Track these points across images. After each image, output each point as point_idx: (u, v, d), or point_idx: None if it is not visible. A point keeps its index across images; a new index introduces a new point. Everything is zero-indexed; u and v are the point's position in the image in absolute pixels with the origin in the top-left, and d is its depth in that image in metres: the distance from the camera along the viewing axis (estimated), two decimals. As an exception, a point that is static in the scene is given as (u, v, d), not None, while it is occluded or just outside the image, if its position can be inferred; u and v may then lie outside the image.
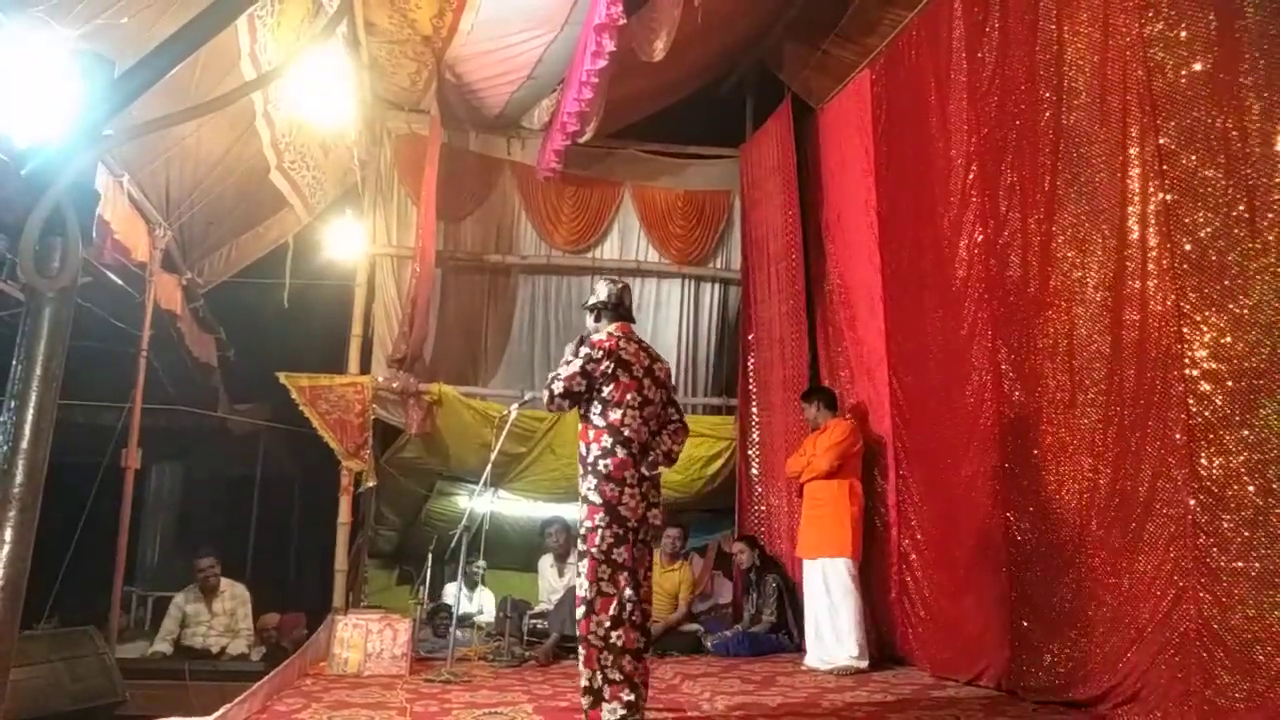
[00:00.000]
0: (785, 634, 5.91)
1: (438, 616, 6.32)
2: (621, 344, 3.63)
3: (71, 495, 5.32)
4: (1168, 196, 3.53)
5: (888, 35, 5.73)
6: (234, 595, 6.24)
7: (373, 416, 6.61)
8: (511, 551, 7.47)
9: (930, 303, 5.14)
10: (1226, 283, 3.30)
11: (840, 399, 5.89)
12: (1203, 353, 3.36)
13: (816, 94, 6.69)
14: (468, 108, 7.19)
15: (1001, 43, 4.59)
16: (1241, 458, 3.20)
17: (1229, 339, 3.29)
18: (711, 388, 7.76)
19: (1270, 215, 3.15)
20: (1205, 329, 3.36)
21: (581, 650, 3.44)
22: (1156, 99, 3.58)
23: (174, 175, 5.62)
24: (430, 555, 5.84)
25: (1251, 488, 3.15)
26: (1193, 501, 3.34)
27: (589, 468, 3.52)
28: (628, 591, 3.44)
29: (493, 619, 6.34)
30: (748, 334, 7.23)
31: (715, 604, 6.84)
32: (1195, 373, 3.38)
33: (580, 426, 3.63)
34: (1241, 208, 3.24)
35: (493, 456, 5.31)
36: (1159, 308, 3.57)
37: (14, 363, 1.27)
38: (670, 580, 6.37)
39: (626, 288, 3.89)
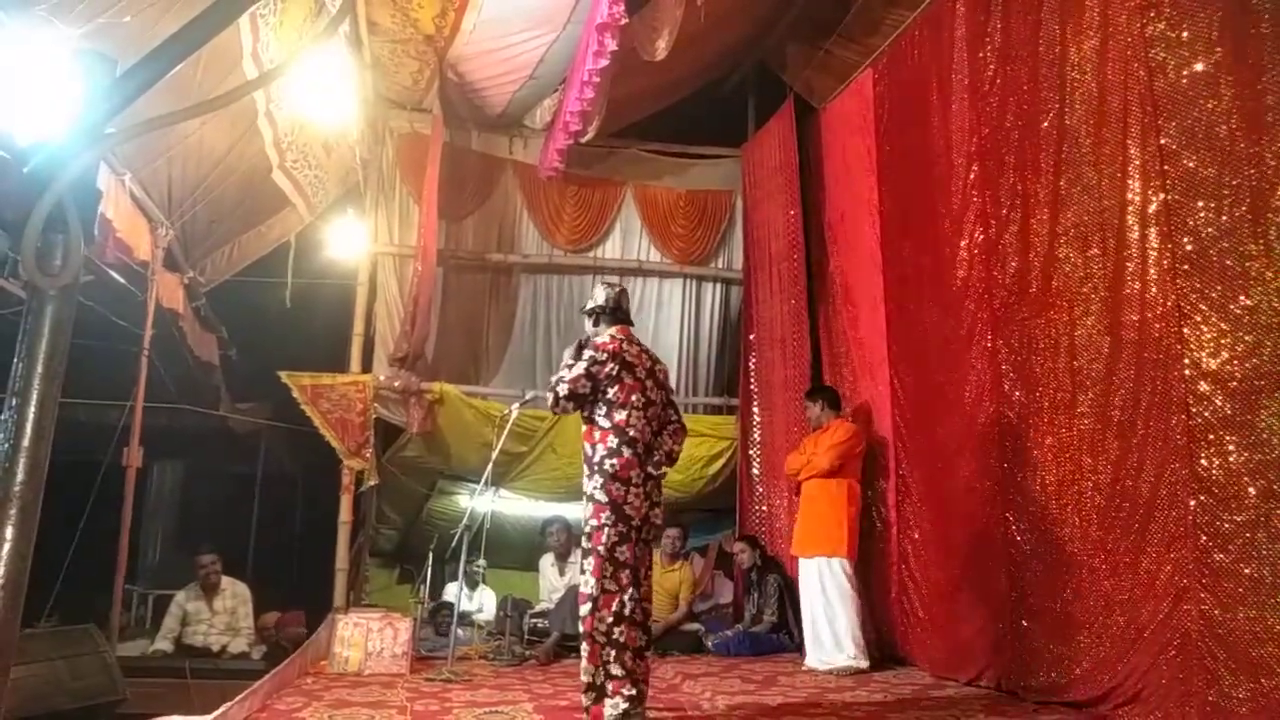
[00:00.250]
0: (786, 634, 5.91)
1: (439, 615, 6.33)
2: (624, 346, 3.70)
3: (73, 493, 5.32)
4: (1169, 197, 3.53)
5: (890, 35, 5.73)
6: (235, 594, 6.24)
7: (374, 415, 6.62)
8: (512, 550, 7.47)
9: (931, 303, 5.14)
10: (1227, 283, 3.30)
11: (843, 399, 5.89)
12: (1203, 353, 3.36)
13: (819, 94, 6.69)
14: (470, 107, 7.19)
15: (1003, 43, 4.59)
16: (1242, 458, 3.19)
17: (1229, 340, 3.29)
18: (713, 387, 7.76)
19: (1271, 216, 3.15)
20: (1206, 329, 3.36)
21: (585, 646, 3.47)
22: (1158, 99, 3.58)
23: (176, 174, 5.62)
24: (431, 554, 5.85)
25: (1252, 489, 3.14)
26: (1193, 502, 3.33)
27: (595, 467, 3.56)
28: (630, 589, 3.50)
29: (493, 618, 6.34)
30: (749, 334, 7.23)
31: (716, 604, 6.84)
32: (1195, 373, 3.38)
33: (584, 428, 3.68)
34: (1243, 208, 3.24)
35: (494, 456, 5.31)
36: (1159, 308, 3.57)
37: (15, 360, 1.27)
38: (671, 580, 6.37)
39: (624, 291, 3.95)
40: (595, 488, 3.54)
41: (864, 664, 4.98)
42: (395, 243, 7.16)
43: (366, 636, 4.99)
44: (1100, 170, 3.91)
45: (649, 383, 3.70)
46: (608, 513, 3.51)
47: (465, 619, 5.97)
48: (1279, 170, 3.13)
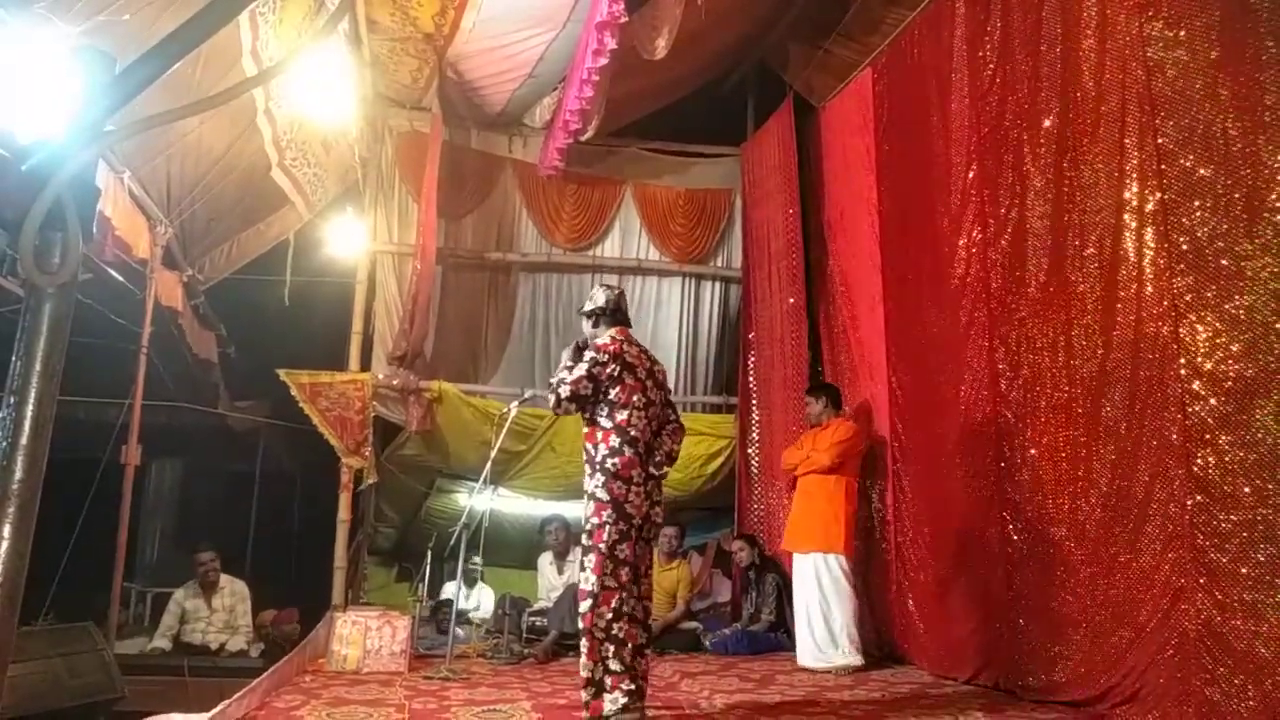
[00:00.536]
0: (784, 632, 5.91)
1: (440, 613, 6.33)
2: (624, 347, 3.74)
3: (71, 491, 5.32)
4: (1165, 196, 3.53)
5: (890, 34, 5.73)
6: (233, 592, 6.24)
7: (373, 414, 6.62)
8: (511, 549, 7.48)
9: (929, 302, 5.15)
10: (1223, 283, 3.30)
11: (842, 398, 5.88)
12: (1199, 353, 3.37)
13: (818, 93, 6.69)
14: (469, 105, 7.19)
15: (1003, 42, 4.59)
16: (1238, 457, 3.20)
17: (1225, 339, 3.29)
18: (712, 386, 7.76)
19: (1267, 215, 3.15)
20: (1201, 329, 3.37)
21: (585, 643, 3.48)
22: (1155, 98, 3.59)
23: (175, 172, 5.62)
24: (430, 553, 5.85)
25: (1248, 488, 3.15)
26: (1190, 501, 3.34)
27: (597, 466, 3.59)
28: (630, 586, 3.53)
29: (490, 616, 6.35)
30: (748, 333, 7.23)
31: (714, 602, 6.84)
32: (1191, 373, 3.39)
33: (586, 429, 3.70)
34: (1239, 208, 3.24)
35: (493, 454, 5.31)
36: (1156, 308, 3.58)
37: (14, 358, 1.27)
38: (669, 578, 6.37)
39: (623, 293, 3.99)
40: (597, 486, 3.58)
41: (860, 661, 4.98)
42: (394, 241, 7.16)
43: (365, 635, 4.99)
44: (1098, 170, 3.92)
45: (649, 383, 3.75)
46: (609, 511, 3.53)
47: (463, 617, 5.97)
48: (1275, 170, 3.13)
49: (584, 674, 3.49)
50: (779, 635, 5.92)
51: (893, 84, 5.73)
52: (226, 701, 3.46)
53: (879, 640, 5.39)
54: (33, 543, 1.26)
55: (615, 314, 3.87)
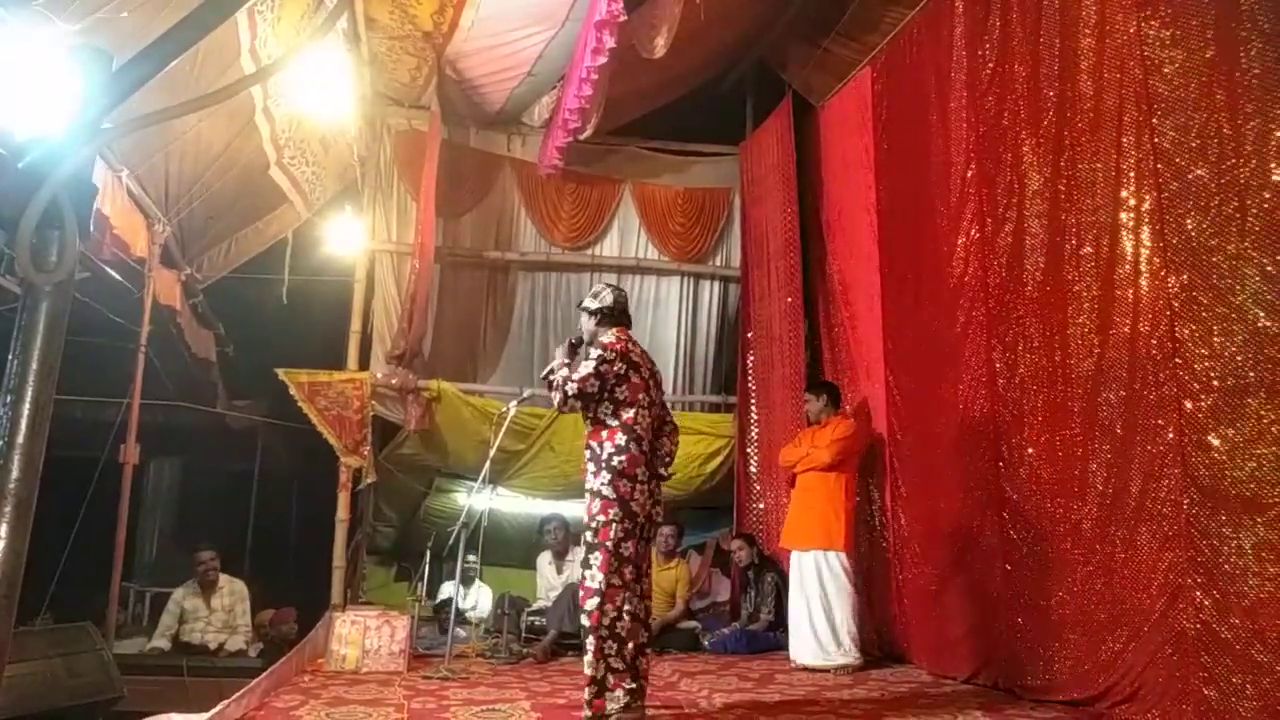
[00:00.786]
0: (783, 632, 5.89)
1: (443, 612, 6.32)
2: (630, 346, 3.76)
3: (70, 491, 5.32)
4: (1161, 195, 3.54)
5: (889, 33, 5.73)
6: (232, 591, 6.24)
7: (371, 413, 6.61)
8: (510, 548, 7.46)
9: (927, 301, 5.15)
10: (1217, 281, 3.30)
11: (842, 397, 5.88)
12: (1194, 352, 3.37)
13: (817, 92, 6.68)
14: (468, 104, 7.18)
15: (1002, 41, 4.59)
16: (1234, 456, 3.20)
17: (1219, 337, 3.29)
18: (710, 385, 7.77)
19: (1261, 214, 3.15)
20: (1196, 327, 3.37)
21: (591, 641, 3.48)
22: (1152, 98, 3.59)
23: (173, 170, 5.61)
24: (429, 552, 5.84)
25: (1244, 487, 3.15)
26: (1186, 500, 3.34)
27: (603, 464, 3.59)
28: (633, 585, 3.55)
29: (486, 615, 6.34)
30: (747, 332, 7.22)
31: (713, 601, 6.84)
32: (1186, 372, 3.39)
33: (590, 427, 3.70)
34: (1233, 207, 3.25)
35: (491, 453, 5.30)
36: (1151, 306, 3.59)
37: (10, 357, 1.27)
38: (668, 578, 6.37)
39: (625, 293, 4.00)
40: (603, 484, 3.57)
41: (859, 660, 4.98)
42: (393, 240, 7.16)
43: (364, 634, 4.98)
44: (1095, 169, 3.92)
45: (650, 383, 3.78)
46: (615, 509, 3.54)
47: (460, 617, 5.96)
48: (1269, 170, 3.13)
49: (588, 672, 3.49)
50: (778, 634, 5.91)
51: (891, 83, 5.73)
52: (225, 701, 3.46)
53: (879, 639, 5.39)
54: (30, 542, 1.26)
55: (620, 315, 3.88)
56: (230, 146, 5.68)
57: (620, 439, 3.60)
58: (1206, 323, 3.33)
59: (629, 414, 3.62)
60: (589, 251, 7.67)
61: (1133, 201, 3.71)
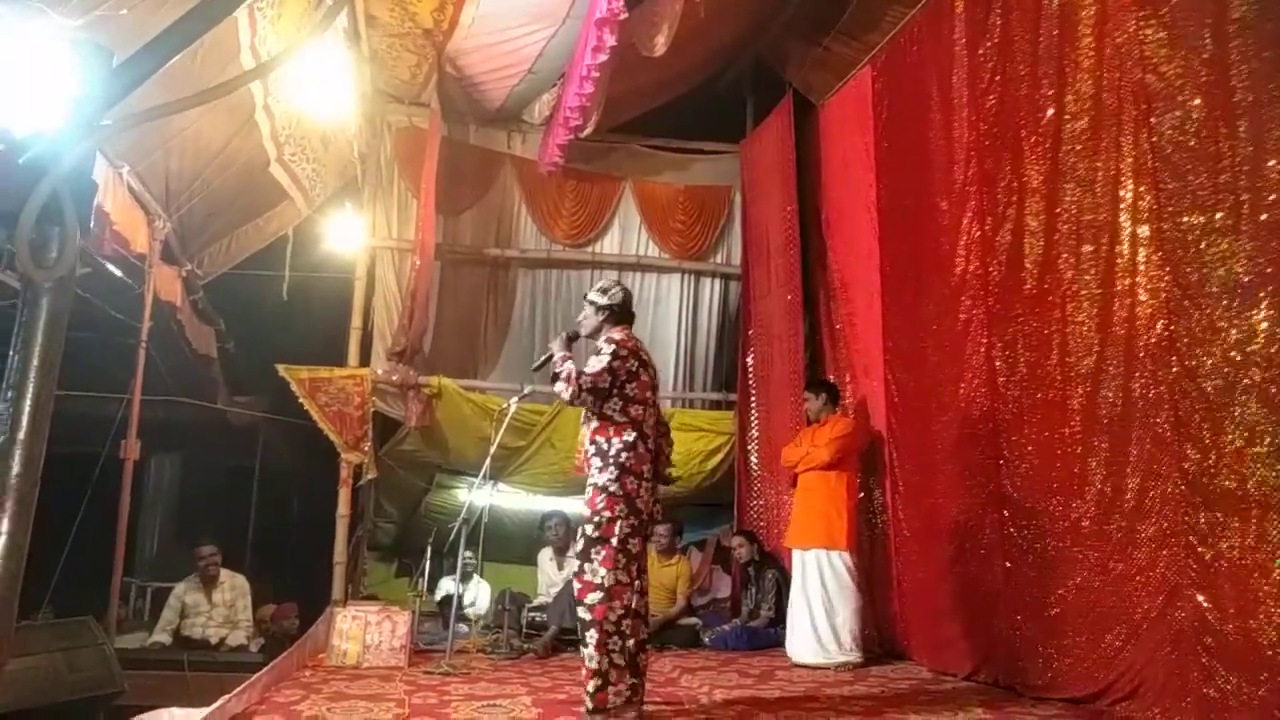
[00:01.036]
0: (783, 628, 5.90)
1: (446, 608, 6.33)
2: (639, 345, 3.79)
3: (70, 486, 5.32)
4: (1160, 194, 3.54)
5: (889, 32, 5.72)
6: (233, 586, 6.25)
7: (372, 409, 6.62)
8: (511, 544, 7.48)
9: (927, 299, 5.14)
10: (1215, 281, 3.30)
11: (841, 395, 5.89)
12: (1191, 350, 3.37)
13: (817, 90, 6.68)
14: (468, 101, 7.18)
15: (1002, 40, 4.59)
16: (1229, 454, 3.20)
17: (1217, 337, 3.29)
18: (711, 383, 7.77)
19: (1258, 214, 3.15)
20: (1193, 326, 3.37)
21: (593, 635, 3.48)
22: (1152, 97, 3.59)
23: (174, 167, 5.61)
24: (429, 548, 5.85)
25: (1241, 484, 3.15)
26: (1184, 498, 3.34)
27: (610, 460, 3.58)
28: (637, 581, 3.55)
29: (484, 611, 6.35)
30: (747, 329, 7.23)
31: (714, 598, 6.84)
32: (1183, 370, 3.39)
33: (596, 424, 3.66)
34: (1229, 206, 3.25)
35: (492, 450, 5.31)
36: (1149, 305, 3.60)
37: (11, 353, 1.27)
38: (668, 574, 6.38)
39: (631, 293, 4.01)
40: (609, 480, 3.56)
41: (860, 658, 4.99)
42: (393, 237, 7.17)
43: (365, 629, 4.99)
44: (1095, 168, 3.92)
45: (653, 383, 3.79)
46: (621, 505, 3.53)
47: (461, 612, 5.97)
48: (1266, 169, 3.13)
49: (590, 665, 3.48)
50: (778, 631, 5.90)
51: (892, 82, 5.73)
52: (226, 696, 3.47)
53: (879, 636, 5.40)
54: (32, 537, 1.26)
55: (626, 314, 3.89)
56: (230, 143, 5.68)
57: (629, 436, 3.59)
58: (1205, 321, 3.34)
59: (637, 410, 3.63)
60: (589, 249, 7.67)
61: (1131, 200, 3.71)
